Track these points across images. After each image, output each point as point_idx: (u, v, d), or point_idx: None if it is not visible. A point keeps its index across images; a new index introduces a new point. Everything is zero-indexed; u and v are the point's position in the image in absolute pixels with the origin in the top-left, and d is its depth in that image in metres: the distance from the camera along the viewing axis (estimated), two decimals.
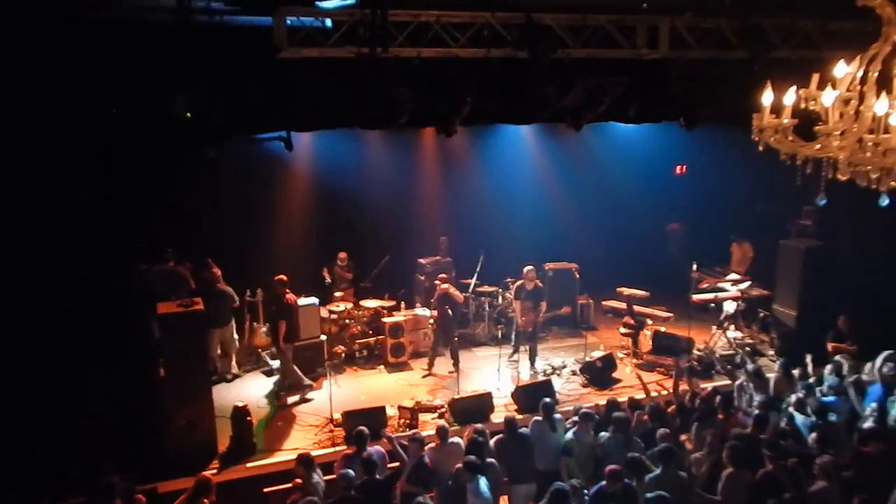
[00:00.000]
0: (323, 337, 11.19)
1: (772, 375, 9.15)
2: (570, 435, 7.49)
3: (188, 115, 7.15)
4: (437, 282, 11.26)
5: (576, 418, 7.66)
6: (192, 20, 6.77)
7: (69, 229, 7.43)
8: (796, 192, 12.14)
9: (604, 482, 6.30)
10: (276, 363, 10.77)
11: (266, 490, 7.86)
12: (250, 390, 10.45)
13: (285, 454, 8.52)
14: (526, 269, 11.26)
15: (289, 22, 7.16)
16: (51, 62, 6.76)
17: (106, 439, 7.56)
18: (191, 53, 6.92)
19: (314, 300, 11.29)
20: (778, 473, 6.45)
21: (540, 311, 11.30)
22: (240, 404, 8.73)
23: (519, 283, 11.28)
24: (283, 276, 10.15)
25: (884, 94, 3.90)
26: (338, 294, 12.06)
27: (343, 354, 11.41)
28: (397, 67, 7.42)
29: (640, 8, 7.35)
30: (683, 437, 7.65)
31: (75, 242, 7.43)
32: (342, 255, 12.39)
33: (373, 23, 7.11)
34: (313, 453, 7.48)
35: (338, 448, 8.52)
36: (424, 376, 10.84)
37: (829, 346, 10.13)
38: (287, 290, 10.09)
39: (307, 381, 10.18)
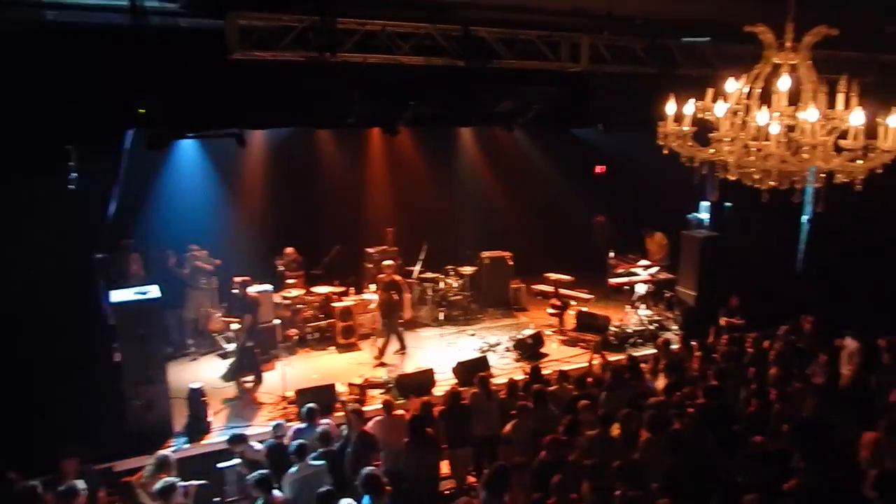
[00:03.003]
0: (277, 321, 11.21)
1: (675, 346, 9.73)
2: None
3: (141, 111, 7.13)
4: (381, 272, 11.32)
5: None
6: (147, 22, 6.73)
7: (27, 220, 7.23)
8: (694, 190, 12.84)
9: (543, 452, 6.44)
10: (231, 346, 10.74)
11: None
12: (206, 372, 10.37)
13: (241, 431, 8.58)
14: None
15: (241, 25, 7.16)
16: (8, 61, 6.59)
17: (63, 422, 7.29)
18: (146, 53, 6.82)
19: (269, 287, 11.32)
20: (684, 430, 6.79)
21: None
22: (195, 385, 8.68)
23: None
24: (247, 277, 10.29)
25: (765, 107, 4.25)
26: (290, 281, 12.10)
27: (296, 337, 11.44)
28: (346, 72, 7.50)
29: (565, 25, 7.66)
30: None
31: (32, 233, 7.22)
32: (288, 249, 12.37)
33: (322, 29, 7.20)
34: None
35: (290, 423, 8.62)
36: (376, 366, 10.75)
37: (723, 320, 10.70)
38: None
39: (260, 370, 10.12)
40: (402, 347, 11.10)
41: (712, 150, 4.24)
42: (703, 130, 4.77)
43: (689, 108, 4.45)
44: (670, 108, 4.42)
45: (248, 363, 9.89)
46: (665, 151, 4.57)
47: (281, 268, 12.18)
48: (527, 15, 7.52)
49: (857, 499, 5.86)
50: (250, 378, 9.86)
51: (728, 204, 11.80)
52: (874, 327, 9.19)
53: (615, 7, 7.04)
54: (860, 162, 3.85)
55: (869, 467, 6.37)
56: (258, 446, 7.13)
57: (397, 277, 11.24)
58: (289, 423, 8.23)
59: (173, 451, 7.52)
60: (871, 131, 3.90)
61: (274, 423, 7.57)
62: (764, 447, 6.58)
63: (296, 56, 7.22)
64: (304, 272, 12.40)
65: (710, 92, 4.37)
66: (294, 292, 11.80)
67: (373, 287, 11.98)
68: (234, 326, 10.48)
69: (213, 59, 7.08)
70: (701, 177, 4.72)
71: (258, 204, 12.95)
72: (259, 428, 8.55)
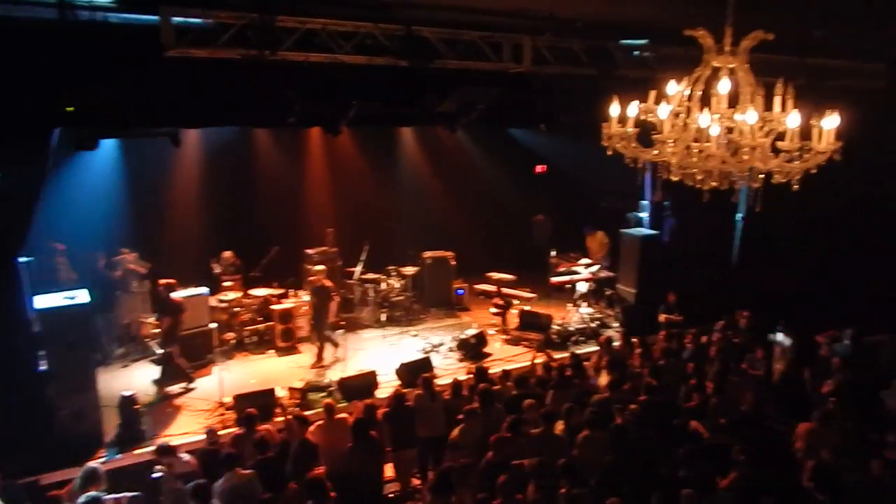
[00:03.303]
0: (213, 325, 10.90)
1: (617, 343, 9.93)
2: None
3: (69, 109, 6.83)
4: (311, 276, 11.01)
5: None
6: (76, 17, 6.45)
7: None
8: (633, 190, 13.18)
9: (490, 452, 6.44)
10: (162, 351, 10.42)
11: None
12: (138, 379, 9.98)
13: (175, 440, 8.21)
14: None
15: (176, 21, 6.94)
16: None
17: None
18: (74, 50, 6.57)
19: (204, 290, 11.00)
20: (626, 425, 6.92)
21: None
22: (127, 393, 8.38)
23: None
24: (172, 280, 9.93)
25: (706, 109, 4.34)
26: (227, 283, 11.80)
27: (233, 341, 11.13)
28: (287, 71, 7.35)
29: (507, 26, 7.70)
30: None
31: None
32: (226, 253, 12.03)
33: (261, 27, 7.04)
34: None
35: (229, 430, 8.35)
36: (312, 366, 10.56)
37: (661, 317, 10.99)
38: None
39: (189, 375, 9.84)
40: (335, 351, 10.86)
41: (656, 151, 4.31)
42: (645, 132, 4.87)
43: (633, 109, 4.50)
44: (614, 109, 4.47)
45: (170, 370, 9.61)
46: (609, 152, 4.62)
47: (217, 270, 11.86)
48: (469, 15, 7.52)
49: (794, 490, 6.09)
50: (182, 384, 9.59)
51: (667, 203, 12.11)
52: (807, 321, 9.65)
53: (556, 9, 7.11)
54: (797, 163, 3.99)
55: (805, 458, 6.64)
56: (186, 457, 6.91)
57: (327, 282, 11.04)
58: (226, 430, 8.06)
59: (103, 463, 7.25)
60: (804, 133, 4.04)
61: (208, 429, 7.40)
62: (705, 441, 6.79)
63: (234, 54, 7.03)
64: (242, 275, 12.11)
65: (652, 94, 4.44)
66: (231, 295, 11.52)
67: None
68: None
69: (146, 57, 6.83)
70: (643, 177, 4.81)
71: (193, 205, 12.60)
72: (193, 437, 8.30)
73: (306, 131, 13.17)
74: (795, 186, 4.07)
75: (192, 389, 9.68)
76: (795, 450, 6.98)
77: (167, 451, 6.72)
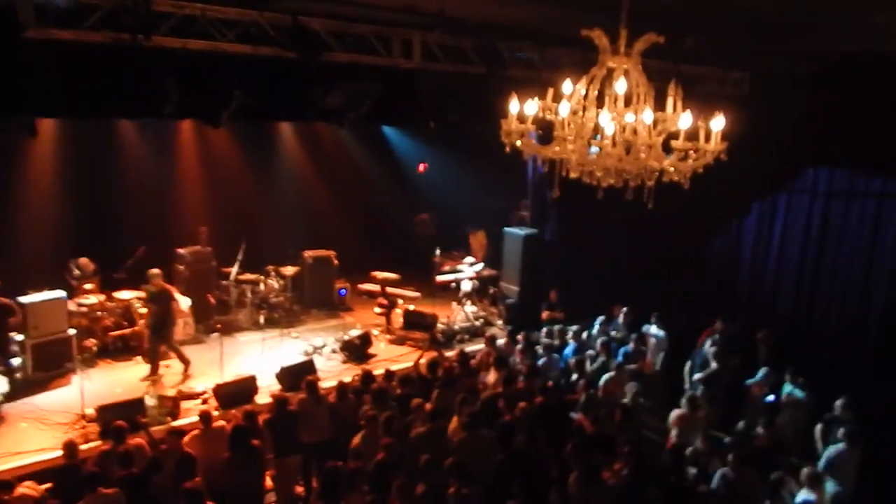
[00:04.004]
0: (72, 331, 10.05)
1: (501, 341, 10.17)
2: None
3: None
4: (148, 282, 10.14)
5: None
6: None
7: None
8: (515, 189, 13.60)
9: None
10: (16, 361, 9.48)
11: None
12: None
13: (30, 456, 7.63)
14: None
15: None
16: None
17: None
18: None
19: (61, 293, 10.12)
20: (513, 423, 7.08)
21: None
22: None
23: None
24: None
25: (606, 108, 4.47)
26: (88, 286, 10.94)
27: (95, 348, 10.34)
28: (163, 58, 6.89)
29: (396, 21, 7.65)
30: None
31: None
32: (83, 260, 11.17)
33: (134, 10, 6.55)
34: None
35: (91, 444, 7.76)
36: (144, 378, 9.84)
37: (544, 314, 11.35)
38: None
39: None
40: (185, 362, 10.11)
41: (557, 148, 4.42)
42: (541, 130, 4.98)
43: (532, 107, 4.59)
44: (513, 105, 4.54)
45: None
46: (507, 149, 4.69)
47: (76, 272, 11.02)
48: (357, 9, 7.41)
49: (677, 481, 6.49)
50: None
51: (549, 202, 12.53)
52: (680, 316, 10.34)
53: (447, 7, 7.16)
54: (689, 162, 4.24)
55: (677, 442, 7.11)
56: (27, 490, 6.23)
57: (168, 287, 10.34)
58: (88, 445, 7.48)
59: None
60: (688, 134, 4.32)
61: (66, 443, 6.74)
62: (591, 434, 7.09)
63: (104, 38, 6.47)
64: (99, 278, 11.24)
65: (550, 91, 4.54)
66: (92, 298, 10.68)
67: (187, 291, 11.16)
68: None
69: (2, 37, 6.14)
70: (538, 177, 4.92)
71: (49, 201, 11.60)
72: (49, 454, 7.61)
73: (177, 124, 12.51)
74: (686, 185, 4.34)
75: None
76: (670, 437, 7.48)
77: (3, 487, 6.06)
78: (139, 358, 10.46)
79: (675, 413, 7.70)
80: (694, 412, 7.64)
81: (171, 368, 10.17)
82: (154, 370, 9.90)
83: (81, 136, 11.40)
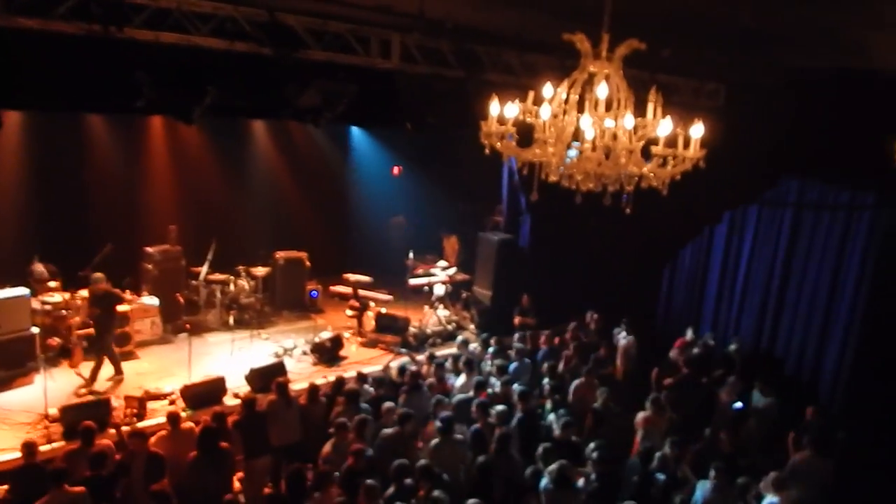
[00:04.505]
0: (35, 329, 9.81)
1: (473, 345, 10.16)
2: None
3: None
4: (92, 285, 9.85)
5: None
6: None
7: None
8: (489, 194, 13.64)
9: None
10: None
11: None
12: None
13: None
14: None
15: None
16: None
17: None
18: None
19: (24, 291, 9.87)
20: (484, 428, 7.10)
21: None
22: None
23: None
24: None
25: (586, 112, 4.48)
26: (52, 284, 10.69)
27: (59, 347, 10.09)
28: (135, 50, 6.75)
29: (375, 21, 7.61)
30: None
31: None
32: (37, 267, 10.83)
33: (105, 1, 6.40)
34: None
35: (54, 445, 7.60)
36: (84, 385, 9.43)
37: (516, 319, 11.40)
38: None
39: None
40: (118, 371, 9.82)
41: (537, 151, 4.42)
42: (519, 134, 4.96)
43: (512, 109, 4.58)
44: (494, 108, 4.52)
45: None
46: (487, 151, 4.68)
47: (40, 269, 10.77)
48: (336, 7, 7.35)
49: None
50: None
51: (524, 207, 12.57)
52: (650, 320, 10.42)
53: (426, 9, 7.15)
54: (668, 168, 4.27)
55: (643, 445, 7.16)
56: None
57: (113, 289, 10.06)
58: (50, 445, 7.32)
59: None
60: (667, 141, 4.36)
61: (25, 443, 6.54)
62: (556, 439, 7.11)
63: (73, 28, 6.31)
64: (62, 279, 10.96)
65: (531, 94, 4.54)
66: (57, 296, 10.42)
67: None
68: None
69: None
70: (514, 180, 4.92)
71: (12, 195, 11.30)
72: (8, 455, 7.41)
73: (148, 119, 12.26)
74: (665, 191, 4.37)
75: None
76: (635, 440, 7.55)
77: None
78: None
79: (640, 415, 7.78)
80: (658, 415, 7.73)
81: (135, 370, 9.99)
82: (93, 378, 9.52)
83: (48, 129, 11.10)
